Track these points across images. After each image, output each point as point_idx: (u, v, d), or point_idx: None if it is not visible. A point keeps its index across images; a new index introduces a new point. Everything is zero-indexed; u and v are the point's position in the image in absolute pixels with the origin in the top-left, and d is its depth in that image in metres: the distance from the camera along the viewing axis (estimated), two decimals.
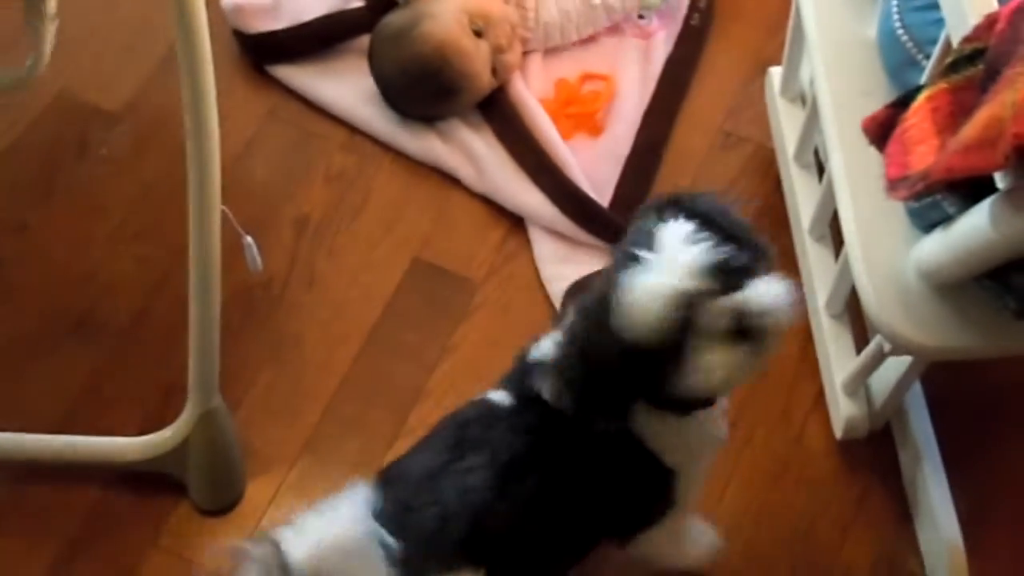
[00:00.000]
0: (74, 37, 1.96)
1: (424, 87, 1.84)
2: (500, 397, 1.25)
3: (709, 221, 1.11)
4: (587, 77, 1.94)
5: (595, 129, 1.88)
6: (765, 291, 1.07)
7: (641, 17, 1.99)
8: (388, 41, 1.87)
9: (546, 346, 1.22)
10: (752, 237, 1.14)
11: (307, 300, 1.74)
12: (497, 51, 1.87)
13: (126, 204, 1.81)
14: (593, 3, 1.94)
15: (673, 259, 1.06)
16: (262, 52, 1.94)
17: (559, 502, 1.21)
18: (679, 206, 1.14)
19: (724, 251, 1.07)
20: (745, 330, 1.07)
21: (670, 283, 1.05)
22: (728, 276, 1.07)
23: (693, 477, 1.27)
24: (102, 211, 1.80)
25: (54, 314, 1.72)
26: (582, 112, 1.88)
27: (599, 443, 1.19)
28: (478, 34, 1.85)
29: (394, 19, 1.89)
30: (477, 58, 1.84)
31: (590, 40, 1.98)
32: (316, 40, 1.94)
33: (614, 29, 1.99)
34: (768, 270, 1.11)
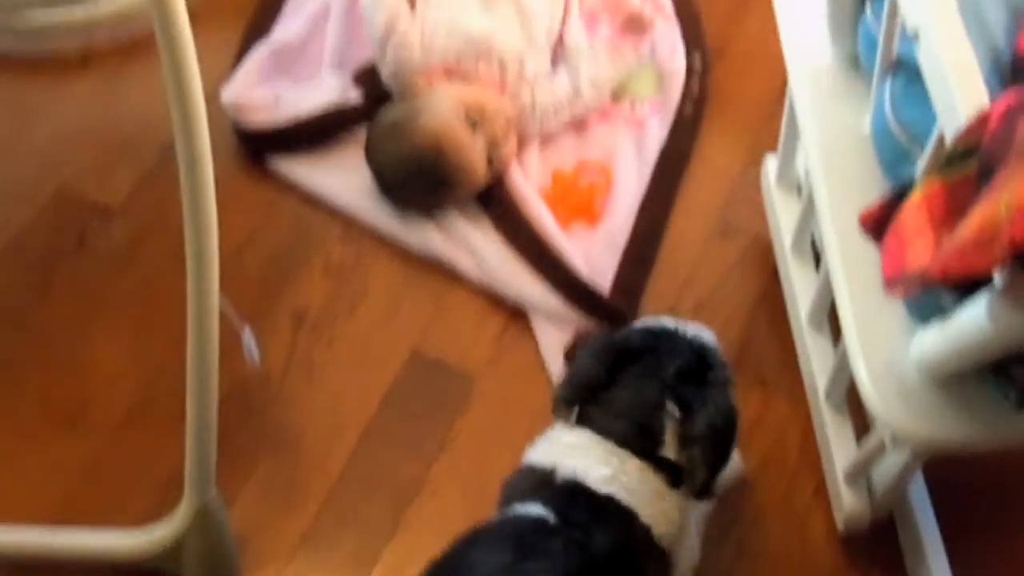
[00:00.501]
0: (73, 132, 1.99)
1: (421, 179, 1.85)
2: (541, 512, 1.31)
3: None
4: (583, 165, 1.95)
5: (593, 217, 1.89)
6: None
7: (631, 102, 2.01)
8: (384, 134, 1.88)
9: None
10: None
11: (305, 392, 1.73)
12: (493, 143, 1.88)
13: (124, 298, 1.81)
14: (582, 87, 1.96)
15: None
16: (261, 145, 1.95)
17: None
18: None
19: None
20: None
21: None
22: None
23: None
24: (100, 305, 1.80)
25: (51, 409, 1.72)
26: (580, 203, 1.89)
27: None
28: (474, 127, 1.87)
29: (390, 112, 1.91)
30: (473, 150, 1.85)
31: (584, 128, 1.99)
32: (315, 133, 1.95)
33: (606, 116, 2.00)
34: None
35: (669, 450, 1.36)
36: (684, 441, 1.36)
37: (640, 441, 1.36)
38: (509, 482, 1.42)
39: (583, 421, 1.40)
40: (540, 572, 1.26)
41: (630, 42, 2.01)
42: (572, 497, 1.33)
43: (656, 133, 1.98)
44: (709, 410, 1.37)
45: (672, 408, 1.37)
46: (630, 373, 1.41)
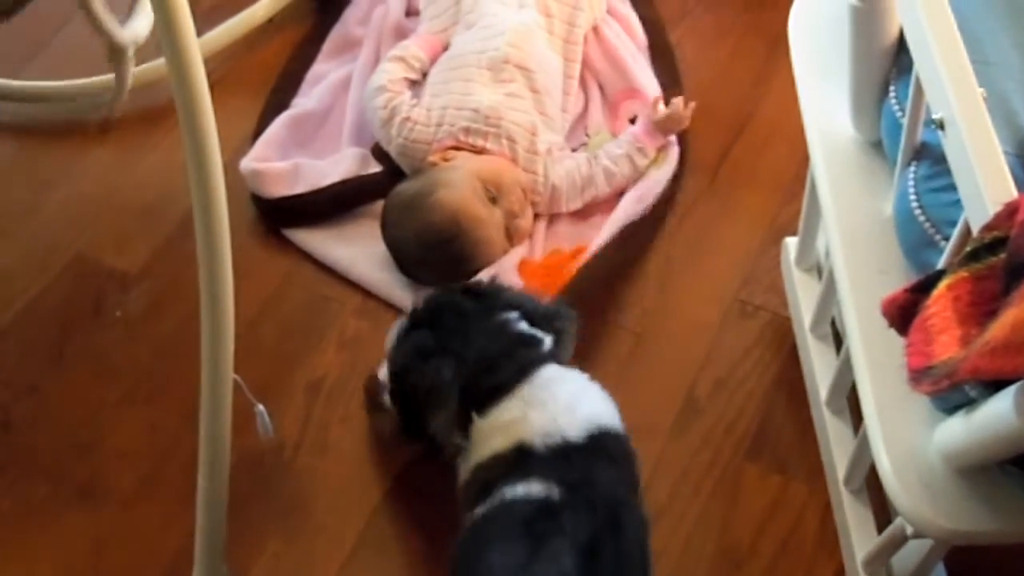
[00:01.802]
0: (93, 199, 1.99)
1: (438, 255, 1.84)
2: (541, 490, 1.36)
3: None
4: (580, 251, 1.93)
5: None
6: None
7: None
8: (402, 209, 1.88)
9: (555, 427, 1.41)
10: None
11: (319, 466, 1.72)
12: (510, 216, 1.88)
13: (138, 368, 1.81)
14: (594, 170, 1.96)
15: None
16: (280, 216, 1.96)
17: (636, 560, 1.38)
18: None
19: None
20: None
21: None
22: None
23: None
24: (114, 374, 1.80)
25: (61, 478, 1.70)
26: (559, 284, 1.85)
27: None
28: (492, 201, 1.86)
29: (407, 187, 1.90)
30: (491, 224, 1.85)
31: (588, 217, 1.99)
32: (333, 205, 1.95)
33: (611, 208, 1.98)
34: None
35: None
36: (545, 324, 1.53)
37: (533, 351, 1.49)
38: (479, 477, 1.45)
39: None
40: (559, 554, 1.30)
41: (654, 141, 1.99)
42: (560, 458, 1.39)
43: (628, 211, 1.95)
44: (523, 297, 1.57)
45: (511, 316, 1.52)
46: (461, 333, 1.52)
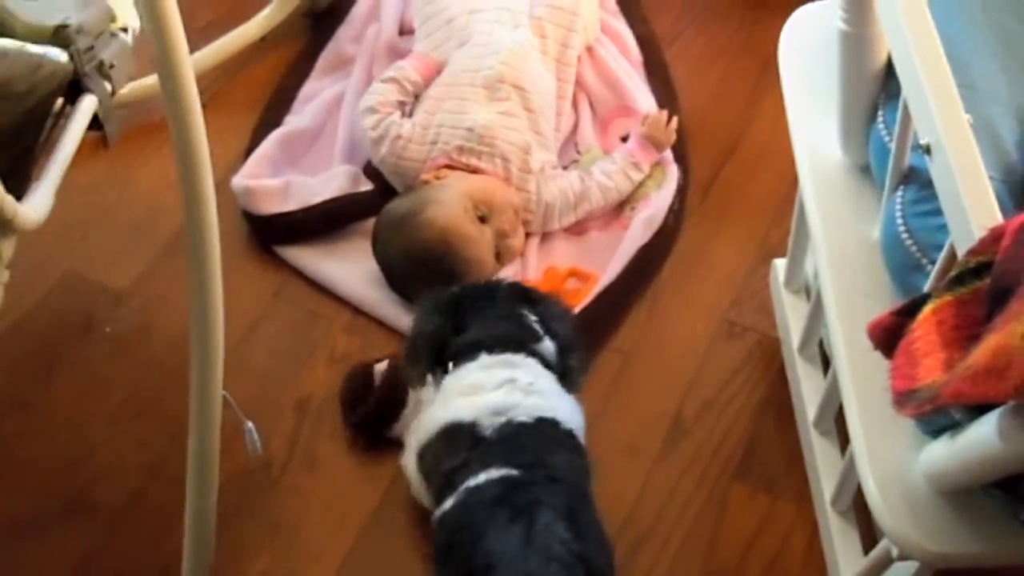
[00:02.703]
0: (83, 215, 1.99)
1: (428, 272, 1.84)
2: (500, 473, 1.42)
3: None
4: (573, 273, 1.94)
5: None
6: None
7: (632, 208, 2.01)
8: (392, 227, 1.89)
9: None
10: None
11: (307, 484, 1.72)
12: (501, 236, 1.88)
13: (128, 384, 1.80)
14: (588, 184, 1.96)
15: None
16: (271, 233, 1.96)
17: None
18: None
19: None
20: None
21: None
22: None
23: None
24: (103, 390, 1.80)
25: (49, 494, 1.70)
26: None
27: None
28: (482, 220, 1.87)
29: (398, 205, 1.91)
30: (481, 243, 1.86)
31: (583, 233, 2.00)
32: (324, 222, 1.96)
33: (607, 226, 2.00)
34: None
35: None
36: (561, 348, 1.58)
37: (521, 336, 1.55)
38: (431, 452, 1.51)
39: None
40: (551, 527, 1.35)
41: (649, 156, 2.01)
42: (510, 442, 1.45)
43: (639, 236, 1.96)
44: (563, 315, 1.63)
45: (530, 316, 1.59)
46: (475, 312, 1.60)
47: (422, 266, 1.85)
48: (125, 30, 1.48)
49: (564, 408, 1.52)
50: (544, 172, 1.98)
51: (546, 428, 1.47)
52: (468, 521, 1.42)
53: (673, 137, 2.02)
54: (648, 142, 1.99)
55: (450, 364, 1.54)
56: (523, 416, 1.46)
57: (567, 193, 1.96)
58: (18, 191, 1.25)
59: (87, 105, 1.38)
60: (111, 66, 1.38)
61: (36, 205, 1.31)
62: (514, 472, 1.42)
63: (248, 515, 1.68)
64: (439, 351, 1.57)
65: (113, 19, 1.36)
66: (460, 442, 1.46)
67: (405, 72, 2.06)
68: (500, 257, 1.90)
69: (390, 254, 1.89)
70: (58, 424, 1.77)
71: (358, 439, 1.74)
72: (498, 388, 1.49)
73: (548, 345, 1.58)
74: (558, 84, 2.09)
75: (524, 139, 1.97)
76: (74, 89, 1.39)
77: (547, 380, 1.54)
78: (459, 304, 1.61)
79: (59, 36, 1.31)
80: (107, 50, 1.38)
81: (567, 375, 1.58)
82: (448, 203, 1.86)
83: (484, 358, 1.52)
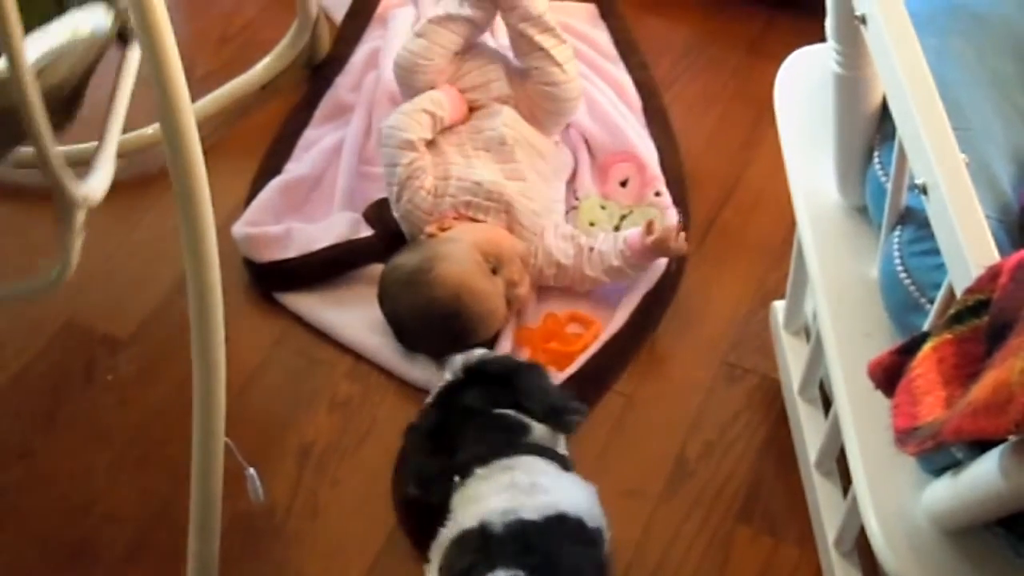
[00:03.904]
0: (84, 264, 1.98)
1: (441, 330, 1.84)
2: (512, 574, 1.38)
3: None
4: (574, 318, 1.95)
5: (565, 366, 1.88)
6: None
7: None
8: (402, 284, 1.87)
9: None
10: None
11: (309, 530, 1.72)
12: (511, 285, 1.88)
13: (130, 432, 1.81)
14: (587, 274, 1.94)
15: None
16: (272, 280, 1.97)
17: None
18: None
19: None
20: None
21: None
22: None
23: None
24: (106, 439, 1.80)
25: (52, 543, 1.70)
26: (561, 350, 1.89)
27: None
28: (494, 271, 1.87)
29: (406, 260, 1.89)
30: (494, 295, 1.86)
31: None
32: (325, 269, 1.97)
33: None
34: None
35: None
36: (548, 419, 1.55)
37: (509, 439, 1.52)
38: (449, 561, 1.45)
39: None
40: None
41: (648, 262, 1.95)
42: (518, 542, 1.40)
43: (643, 282, 1.96)
44: (535, 388, 1.57)
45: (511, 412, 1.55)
46: (459, 433, 1.55)
47: (434, 324, 1.84)
48: None
49: (569, 498, 1.47)
50: (546, 235, 1.98)
51: (553, 524, 1.42)
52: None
53: (683, 249, 1.94)
54: (653, 251, 1.93)
55: (456, 479, 1.51)
56: (531, 515, 1.42)
57: (564, 263, 1.94)
58: (64, 122, 1.33)
59: (134, 58, 1.36)
60: None
61: (99, 180, 1.38)
62: (522, 574, 1.37)
63: (251, 562, 1.68)
64: (442, 480, 1.53)
65: None
66: (469, 544, 1.43)
67: (439, 106, 2.02)
68: (509, 305, 1.90)
69: (400, 312, 1.88)
70: (60, 473, 1.77)
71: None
72: (501, 493, 1.45)
73: (537, 429, 1.55)
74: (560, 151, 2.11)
75: (529, 198, 1.98)
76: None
77: (547, 473, 1.50)
78: (443, 429, 1.56)
79: None
80: None
81: (560, 427, 1.56)
82: (458, 258, 1.85)
83: (480, 471, 1.48)
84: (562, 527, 1.43)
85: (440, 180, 1.97)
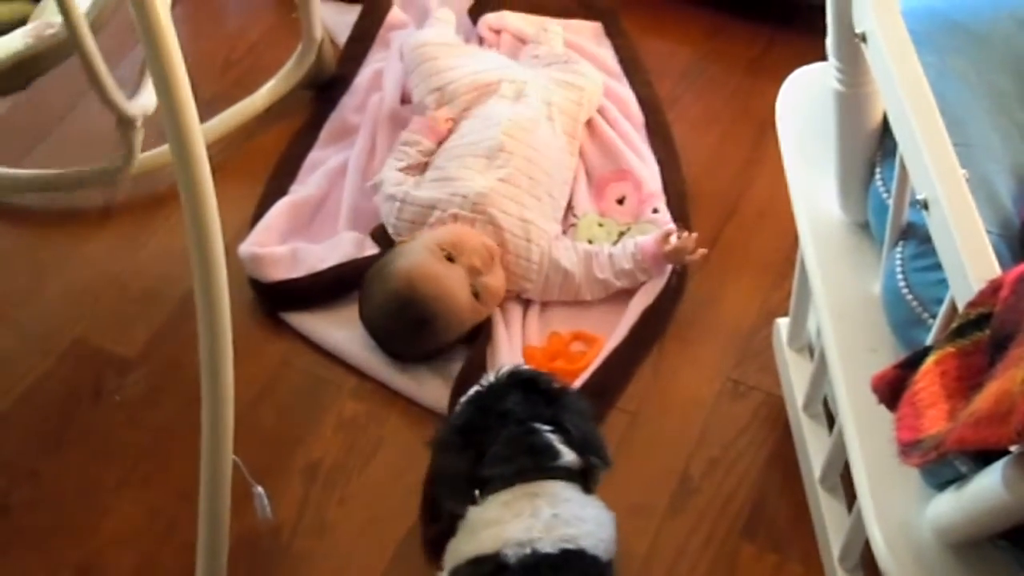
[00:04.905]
0: (92, 285, 2.02)
1: (402, 320, 1.87)
2: None
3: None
4: (578, 337, 1.96)
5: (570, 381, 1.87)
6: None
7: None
8: (366, 290, 1.92)
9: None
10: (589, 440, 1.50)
11: (316, 549, 1.72)
12: (474, 273, 1.90)
13: (137, 450, 1.81)
14: (596, 276, 1.97)
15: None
16: (278, 300, 1.98)
17: None
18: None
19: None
20: None
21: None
22: None
23: None
24: (113, 458, 1.81)
25: (59, 562, 1.71)
26: (566, 369, 1.89)
27: None
28: (450, 259, 1.89)
29: (371, 268, 1.94)
30: (449, 277, 1.87)
31: (586, 303, 2.01)
32: (330, 288, 1.97)
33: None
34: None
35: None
36: (579, 448, 1.49)
37: (538, 461, 1.46)
38: None
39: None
40: None
41: (659, 271, 1.98)
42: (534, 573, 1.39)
43: (643, 298, 1.97)
44: (581, 412, 1.53)
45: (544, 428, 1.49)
46: (491, 434, 1.49)
47: (397, 318, 1.87)
48: None
49: (589, 533, 1.44)
50: (560, 239, 2.00)
51: (570, 559, 1.40)
52: None
53: (697, 259, 1.97)
54: (665, 258, 1.96)
55: (476, 493, 1.47)
56: (547, 547, 1.39)
57: (572, 274, 1.96)
58: None
59: None
60: None
61: (149, 97, 1.79)
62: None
63: None
64: (465, 485, 1.49)
65: None
66: (483, 569, 1.41)
67: (416, 149, 2.09)
68: (479, 297, 1.90)
69: (369, 316, 1.91)
70: (68, 492, 1.78)
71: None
72: (519, 522, 1.42)
73: (567, 456, 1.49)
74: (568, 157, 2.12)
75: (521, 207, 1.99)
76: None
77: (571, 502, 1.46)
78: (473, 429, 1.52)
79: None
80: None
81: (588, 473, 1.50)
82: (413, 252, 1.89)
83: (503, 494, 1.45)
84: (578, 563, 1.40)
85: (434, 194, 2.00)
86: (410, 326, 1.87)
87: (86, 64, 1.63)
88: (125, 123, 1.81)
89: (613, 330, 1.95)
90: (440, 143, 2.11)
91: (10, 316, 1.99)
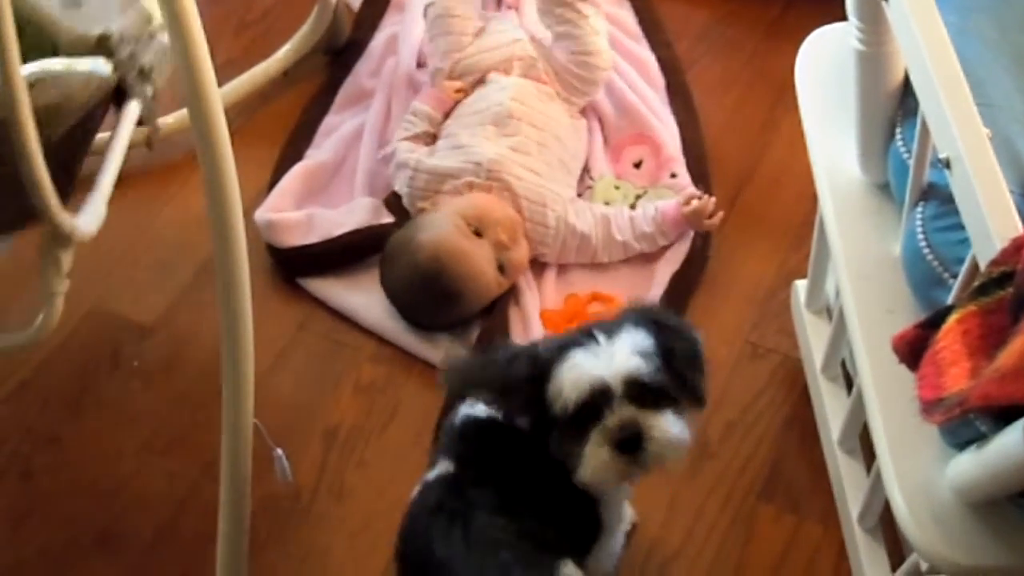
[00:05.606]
0: (109, 251, 2.02)
1: (428, 294, 1.87)
2: (444, 468, 1.40)
3: (668, 347, 1.34)
4: (596, 297, 1.96)
5: None
6: (668, 426, 1.30)
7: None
8: (389, 259, 1.92)
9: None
10: (696, 377, 1.37)
11: (336, 512, 1.73)
12: (500, 248, 1.90)
13: (156, 417, 1.82)
14: (615, 238, 1.97)
15: (612, 356, 1.30)
16: (294, 266, 1.98)
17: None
18: (655, 322, 1.36)
19: (657, 375, 1.30)
20: (633, 446, 1.29)
21: (599, 373, 1.29)
22: (650, 395, 1.30)
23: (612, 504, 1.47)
24: (132, 424, 1.81)
25: (80, 527, 1.72)
26: None
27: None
28: (477, 234, 1.89)
29: (394, 237, 1.93)
30: (476, 255, 1.87)
31: (602, 265, 2.01)
32: (346, 254, 1.98)
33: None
34: (694, 407, 1.36)
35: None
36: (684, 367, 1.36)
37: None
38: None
39: None
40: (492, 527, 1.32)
41: (678, 232, 1.99)
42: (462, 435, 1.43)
43: (666, 270, 1.98)
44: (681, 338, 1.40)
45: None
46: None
47: (420, 290, 1.87)
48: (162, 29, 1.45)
49: None
50: (575, 203, 2.00)
51: None
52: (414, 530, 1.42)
53: (715, 224, 1.97)
54: (685, 221, 1.96)
55: None
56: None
57: (588, 236, 1.96)
58: (64, 192, 1.26)
59: (131, 111, 1.38)
60: (151, 68, 1.38)
61: (91, 217, 1.31)
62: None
63: (278, 543, 1.69)
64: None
65: (150, 21, 1.36)
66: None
67: (422, 122, 2.09)
68: (504, 270, 1.91)
69: (392, 287, 1.91)
70: (88, 457, 1.78)
71: None
72: None
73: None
74: (576, 122, 2.12)
75: (535, 172, 1.99)
76: (117, 93, 1.38)
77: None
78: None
79: (102, 46, 1.30)
80: (147, 54, 1.36)
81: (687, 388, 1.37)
82: (437, 224, 1.89)
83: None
84: None
85: (448, 162, 2.00)
86: (435, 300, 1.88)
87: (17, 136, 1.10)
88: (53, 242, 1.24)
89: (629, 291, 1.95)
90: (447, 114, 2.11)
91: (27, 285, 1.98)
